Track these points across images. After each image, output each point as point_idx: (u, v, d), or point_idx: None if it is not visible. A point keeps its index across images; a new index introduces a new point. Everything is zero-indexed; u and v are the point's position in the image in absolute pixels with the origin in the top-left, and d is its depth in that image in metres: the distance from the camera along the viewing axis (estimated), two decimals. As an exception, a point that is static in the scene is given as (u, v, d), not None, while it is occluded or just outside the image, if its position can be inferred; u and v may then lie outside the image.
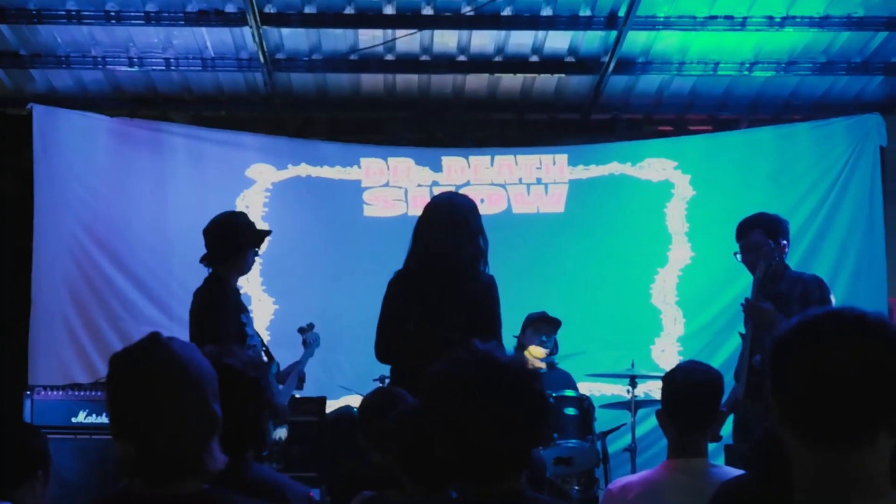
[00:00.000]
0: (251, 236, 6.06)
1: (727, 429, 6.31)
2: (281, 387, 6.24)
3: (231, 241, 5.93)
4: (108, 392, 2.44)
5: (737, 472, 3.77)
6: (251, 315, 6.22)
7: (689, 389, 3.93)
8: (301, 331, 6.77)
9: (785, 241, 6.10)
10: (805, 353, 1.83)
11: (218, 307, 5.78)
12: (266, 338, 7.26)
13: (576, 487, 7.32)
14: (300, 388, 6.51)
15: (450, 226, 5.12)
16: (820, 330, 1.84)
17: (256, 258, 6.10)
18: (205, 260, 6.00)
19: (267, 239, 6.16)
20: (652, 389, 8.02)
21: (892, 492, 1.83)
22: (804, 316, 1.88)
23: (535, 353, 7.72)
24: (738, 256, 6.14)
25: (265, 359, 6.08)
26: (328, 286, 8.82)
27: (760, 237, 6.03)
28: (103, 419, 6.47)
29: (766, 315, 5.81)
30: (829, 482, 1.82)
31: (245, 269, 6.08)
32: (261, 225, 6.89)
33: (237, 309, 5.87)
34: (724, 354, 8.32)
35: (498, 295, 5.07)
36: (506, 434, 2.38)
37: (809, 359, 1.82)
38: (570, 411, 7.29)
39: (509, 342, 6.32)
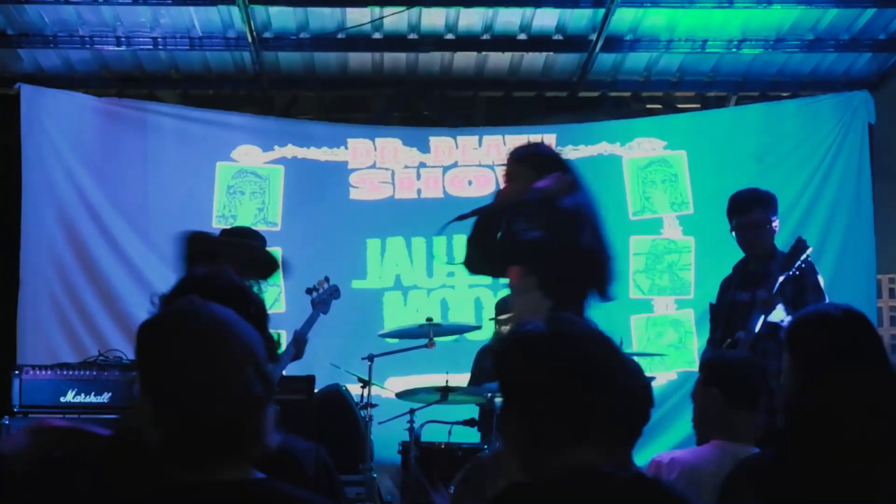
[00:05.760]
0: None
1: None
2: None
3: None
4: (143, 362, 2.20)
5: None
6: None
7: (743, 364, 3.91)
8: (308, 291, 6.66)
9: (776, 220, 6.02)
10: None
11: None
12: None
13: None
14: (299, 356, 6.28)
15: None
16: None
17: None
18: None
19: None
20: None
21: None
22: None
23: None
24: (734, 234, 5.98)
25: None
26: (312, 269, 8.80)
27: (762, 215, 5.89)
28: (92, 399, 6.49)
29: None
30: None
31: None
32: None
33: None
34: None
35: None
36: None
37: None
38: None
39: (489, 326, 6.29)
